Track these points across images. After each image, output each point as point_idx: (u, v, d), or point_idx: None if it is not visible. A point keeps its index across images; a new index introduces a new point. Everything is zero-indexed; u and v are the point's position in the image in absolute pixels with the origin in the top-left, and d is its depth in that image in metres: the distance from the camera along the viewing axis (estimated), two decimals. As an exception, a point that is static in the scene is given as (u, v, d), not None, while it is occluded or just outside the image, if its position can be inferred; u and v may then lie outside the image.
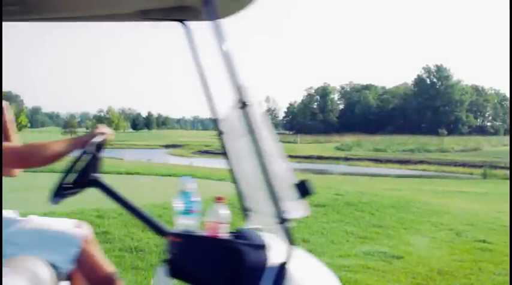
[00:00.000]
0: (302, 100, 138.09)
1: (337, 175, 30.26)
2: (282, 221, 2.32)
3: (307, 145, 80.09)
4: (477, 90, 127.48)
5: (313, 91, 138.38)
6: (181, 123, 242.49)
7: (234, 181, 3.23)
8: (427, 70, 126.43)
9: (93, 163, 2.95)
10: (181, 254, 2.73)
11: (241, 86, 2.35)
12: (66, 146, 2.90)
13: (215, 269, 2.61)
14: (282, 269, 2.38)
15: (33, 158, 2.86)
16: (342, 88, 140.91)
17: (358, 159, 54.40)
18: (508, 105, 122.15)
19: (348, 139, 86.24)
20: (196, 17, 3.27)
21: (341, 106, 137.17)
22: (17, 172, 3.06)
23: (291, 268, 2.37)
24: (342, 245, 7.32)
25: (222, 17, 3.20)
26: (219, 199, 2.69)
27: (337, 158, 55.26)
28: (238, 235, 2.73)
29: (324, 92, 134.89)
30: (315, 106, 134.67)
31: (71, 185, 2.95)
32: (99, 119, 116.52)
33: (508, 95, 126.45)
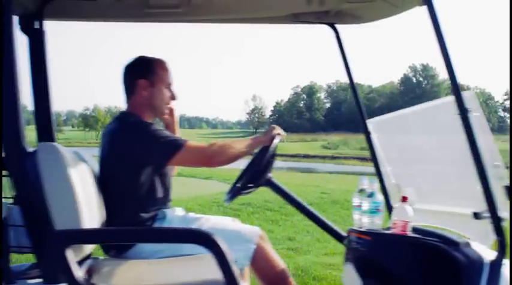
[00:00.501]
0: (289, 99, 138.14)
1: (323, 173, 30.28)
2: (496, 219, 2.32)
3: (294, 143, 79.98)
4: (463, 89, 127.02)
5: (300, 89, 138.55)
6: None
7: (381, 179, 3.31)
8: (413, 69, 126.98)
9: (269, 164, 3.12)
10: (371, 252, 2.78)
11: (460, 92, 2.37)
12: (247, 146, 3.12)
13: (415, 267, 2.62)
14: (495, 266, 2.36)
15: (218, 158, 3.02)
16: (329, 86, 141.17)
17: (345, 158, 54.40)
18: (493, 104, 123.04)
19: (335, 137, 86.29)
20: (346, 21, 3.39)
21: (327, 105, 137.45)
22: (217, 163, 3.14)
23: (504, 266, 2.37)
24: (328, 243, 7.32)
25: (373, 20, 3.31)
26: (404, 199, 2.74)
27: (323, 157, 55.33)
28: (422, 233, 2.74)
29: (310, 91, 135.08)
30: (301, 105, 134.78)
31: (249, 185, 3.16)
32: (85, 117, 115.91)
33: (492, 94, 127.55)
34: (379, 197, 2.91)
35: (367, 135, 3.41)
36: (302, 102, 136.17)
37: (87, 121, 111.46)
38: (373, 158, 3.38)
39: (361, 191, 2.98)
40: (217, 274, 2.32)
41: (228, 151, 3.03)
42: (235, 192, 3.18)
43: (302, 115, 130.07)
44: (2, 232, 2.30)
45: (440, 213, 2.84)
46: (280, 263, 3.03)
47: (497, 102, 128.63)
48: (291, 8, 3.29)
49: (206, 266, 2.57)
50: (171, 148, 2.91)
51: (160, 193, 3.09)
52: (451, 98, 2.43)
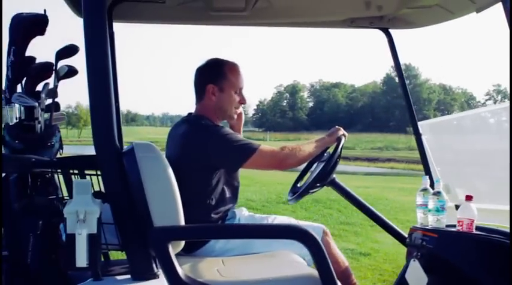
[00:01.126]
0: (272, 98, 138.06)
1: (306, 172, 30.27)
2: None
3: (277, 142, 79.99)
4: (445, 89, 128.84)
5: (283, 88, 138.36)
6: (150, 120, 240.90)
7: (429, 174, 3.47)
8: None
9: (335, 164, 3.23)
10: (438, 249, 2.87)
11: None
12: (314, 147, 3.23)
13: (482, 264, 2.72)
14: None
15: (289, 161, 3.13)
16: (312, 86, 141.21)
17: (327, 157, 54.47)
18: (474, 104, 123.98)
19: (317, 136, 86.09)
20: (400, 26, 3.53)
21: (310, 104, 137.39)
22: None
23: None
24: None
25: (426, 25, 3.40)
26: (468, 198, 2.84)
27: (306, 156, 55.32)
28: (486, 231, 2.85)
29: (293, 90, 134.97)
30: (284, 104, 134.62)
31: (317, 184, 3.28)
32: (67, 115, 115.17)
33: (474, 94, 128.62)
34: (444, 196, 3.00)
35: (418, 136, 3.55)
36: (285, 101, 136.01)
37: (69, 119, 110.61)
38: (423, 159, 3.54)
39: (425, 190, 3.13)
40: (291, 271, 2.53)
41: (298, 153, 3.14)
42: (302, 192, 3.30)
43: (285, 114, 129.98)
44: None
45: (500, 212, 2.94)
46: (344, 260, 3.15)
47: (478, 102, 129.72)
48: (350, 13, 3.44)
49: (279, 262, 2.75)
50: (246, 152, 2.99)
51: (229, 193, 3.16)
52: (502, 105, 2.57)
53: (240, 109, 3.36)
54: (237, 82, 3.23)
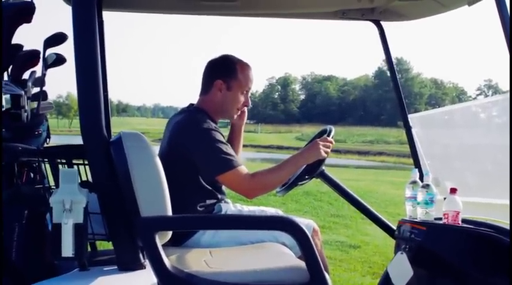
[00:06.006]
0: (263, 90, 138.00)
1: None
2: None
3: (268, 134, 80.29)
4: (436, 83, 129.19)
5: (275, 81, 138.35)
6: (141, 111, 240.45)
7: (418, 167, 3.45)
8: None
9: (322, 160, 3.17)
10: (426, 242, 2.87)
11: None
12: (290, 172, 3.16)
13: (471, 256, 2.73)
14: None
15: (257, 192, 3.08)
16: (303, 78, 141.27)
17: (318, 149, 54.58)
18: (466, 99, 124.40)
19: (308, 129, 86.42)
20: (392, 18, 3.53)
21: (302, 97, 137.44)
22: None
23: None
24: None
25: (418, 18, 3.41)
26: (453, 191, 2.85)
27: (297, 149, 54.95)
28: (473, 224, 2.86)
29: (285, 82, 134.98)
30: (276, 96, 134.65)
31: (306, 177, 3.30)
32: (58, 105, 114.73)
33: (465, 89, 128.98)
34: (433, 189, 3.00)
35: (408, 129, 3.55)
36: (277, 94, 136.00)
37: (60, 108, 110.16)
38: (413, 152, 3.53)
39: (414, 183, 3.11)
40: (279, 262, 2.53)
41: (270, 182, 3.07)
42: (290, 184, 3.31)
43: (277, 106, 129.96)
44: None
45: (489, 205, 2.96)
46: (325, 259, 3.12)
47: (469, 96, 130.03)
48: (341, 4, 3.42)
49: (267, 254, 2.76)
50: (224, 166, 2.92)
51: (216, 186, 3.14)
52: (493, 98, 2.58)
53: (243, 110, 3.34)
54: (245, 84, 3.20)
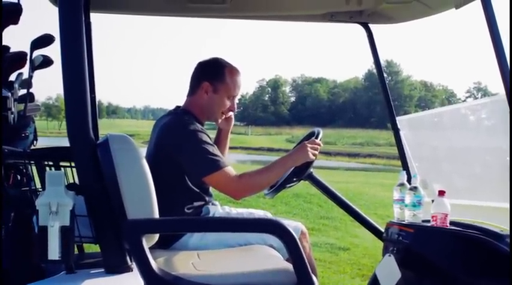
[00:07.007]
0: (254, 92, 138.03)
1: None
2: None
3: (258, 136, 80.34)
4: (426, 86, 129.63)
5: (265, 83, 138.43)
6: (131, 113, 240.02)
7: (406, 169, 3.44)
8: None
9: (310, 162, 3.15)
10: (414, 244, 2.88)
11: None
12: (278, 174, 3.15)
13: (458, 259, 2.75)
14: None
15: (243, 193, 3.08)
16: (294, 80, 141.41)
17: (308, 152, 54.62)
18: (455, 101, 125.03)
19: (299, 131, 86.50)
20: (380, 21, 3.54)
21: (292, 99, 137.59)
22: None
23: None
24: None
25: (405, 20, 3.42)
26: (441, 193, 2.85)
27: (287, 151, 55.04)
28: (461, 226, 2.87)
29: (275, 84, 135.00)
30: (266, 98, 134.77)
31: (294, 179, 3.31)
32: (48, 107, 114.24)
33: (455, 92, 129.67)
34: (421, 191, 3.00)
35: (396, 131, 3.56)
36: (267, 96, 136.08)
37: (49, 110, 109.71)
38: (401, 154, 3.54)
39: (402, 185, 3.12)
40: (266, 264, 2.53)
41: (258, 183, 3.07)
42: (279, 186, 3.31)
43: (267, 108, 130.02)
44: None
45: (476, 208, 2.97)
46: (313, 262, 3.12)
47: (459, 99, 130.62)
48: (330, 6, 3.43)
49: (255, 256, 2.76)
50: (210, 167, 2.91)
51: (204, 188, 3.12)
52: (482, 100, 2.58)
53: (230, 114, 3.33)
54: (232, 88, 3.19)
